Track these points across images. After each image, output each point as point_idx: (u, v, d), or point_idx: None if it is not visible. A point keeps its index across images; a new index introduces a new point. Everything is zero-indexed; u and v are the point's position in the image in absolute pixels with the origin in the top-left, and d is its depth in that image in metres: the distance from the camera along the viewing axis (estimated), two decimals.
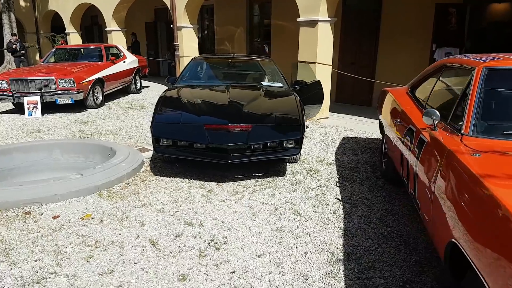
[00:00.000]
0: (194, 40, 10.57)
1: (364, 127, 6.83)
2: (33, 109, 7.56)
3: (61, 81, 7.68)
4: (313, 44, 7.22)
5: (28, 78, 7.60)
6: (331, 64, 7.48)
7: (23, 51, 14.22)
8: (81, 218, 3.27)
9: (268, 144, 3.98)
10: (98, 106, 8.59)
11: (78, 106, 8.33)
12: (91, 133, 6.30)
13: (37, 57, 19.70)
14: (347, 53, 9.17)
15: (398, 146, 3.12)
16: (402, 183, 3.24)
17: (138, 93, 11.03)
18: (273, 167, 4.59)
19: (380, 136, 4.74)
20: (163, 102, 4.47)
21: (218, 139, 3.89)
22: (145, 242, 2.88)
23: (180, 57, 10.54)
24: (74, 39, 15.98)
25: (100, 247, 2.79)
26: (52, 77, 7.64)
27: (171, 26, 10.58)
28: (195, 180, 4.21)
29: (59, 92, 7.69)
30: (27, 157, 4.93)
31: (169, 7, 10.44)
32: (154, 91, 11.65)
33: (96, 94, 8.48)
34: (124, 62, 10.08)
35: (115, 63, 9.52)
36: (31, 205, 3.42)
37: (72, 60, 9.51)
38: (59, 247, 2.79)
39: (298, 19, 7.40)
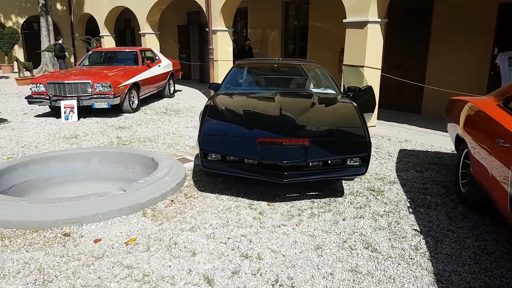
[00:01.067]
0: (229, 43, 10.25)
1: (420, 138, 6.27)
2: (69, 113, 7.40)
3: (97, 85, 7.50)
4: (361, 47, 6.73)
5: (65, 81, 7.46)
6: (380, 68, 6.96)
7: (66, 54, 14.37)
8: (125, 243, 2.92)
9: (329, 161, 3.53)
10: (134, 110, 8.38)
11: (114, 111, 8.14)
12: (129, 140, 6.03)
13: (72, 60, 20.01)
14: (393, 56, 8.58)
15: (500, 171, 2.60)
16: (491, 211, 2.71)
17: (172, 97, 10.81)
18: (328, 185, 4.14)
19: (445, 150, 4.20)
20: (210, 112, 4.10)
21: (272, 155, 3.48)
22: (199, 278, 2.49)
23: (215, 61, 10.23)
24: (108, 42, 16.04)
25: (149, 283, 2.43)
26: (89, 81, 7.47)
27: (206, 29, 10.30)
28: (242, 198, 3.81)
29: (95, 96, 7.51)
30: (64, 166, 4.68)
31: (204, 10, 10.16)
32: (186, 95, 11.42)
33: (132, 98, 8.27)
34: (159, 66, 9.87)
35: (150, 67, 9.32)
36: (71, 225, 3.11)
37: (107, 63, 9.37)
38: (102, 280, 2.45)
39: (344, 20, 6.92)
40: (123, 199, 3.42)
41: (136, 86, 8.46)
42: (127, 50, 9.76)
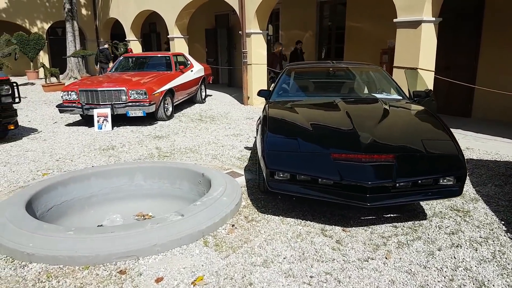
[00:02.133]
0: (263, 46, 9.79)
1: (482, 146, 5.69)
2: (103, 122, 7.07)
3: (132, 92, 7.15)
4: (414, 48, 6.19)
5: (98, 89, 7.13)
6: (433, 70, 6.39)
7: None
8: (192, 283, 2.47)
9: (419, 181, 3.00)
10: (168, 118, 8.01)
11: (148, 118, 7.78)
12: (170, 152, 5.63)
13: (97, 66, 19.94)
14: (441, 57, 7.94)
15: None
16: None
17: (203, 103, 10.42)
18: (405, 204, 3.60)
19: None
20: (271, 124, 3.61)
21: (354, 174, 2.98)
22: None
23: (248, 64, 9.79)
24: (134, 47, 15.84)
25: None
26: (123, 88, 7.12)
27: (239, 32, 9.86)
28: (311, 221, 3.32)
29: (130, 104, 7.16)
30: (106, 183, 4.29)
31: (238, 12, 9.74)
32: (218, 100, 11.02)
33: (166, 105, 7.89)
34: (191, 71, 9.50)
35: (183, 72, 8.95)
36: (126, 259, 2.67)
37: (139, 69, 9.04)
38: None
39: (395, 20, 6.37)
40: (182, 226, 2.98)
41: (170, 92, 8.09)
42: (159, 55, 9.41)
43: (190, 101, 10.09)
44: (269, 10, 9.46)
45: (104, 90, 7.13)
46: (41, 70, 17.54)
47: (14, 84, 6.31)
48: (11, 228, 2.93)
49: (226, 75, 14.79)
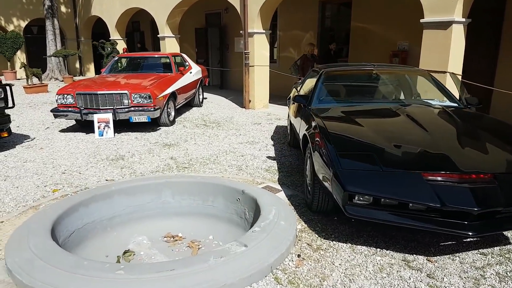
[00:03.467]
0: (265, 47, 9.40)
1: None
2: (104, 128, 6.47)
3: (135, 96, 6.59)
4: (443, 50, 5.93)
5: (98, 92, 6.53)
6: (461, 73, 6.18)
7: None
8: None
9: None
10: (171, 123, 7.48)
11: (149, 124, 7.23)
12: (187, 162, 5.14)
13: (77, 65, 18.98)
14: None
15: None
16: None
17: (201, 107, 9.92)
18: None
19: None
20: (334, 138, 3.17)
21: (456, 198, 2.56)
22: None
23: (250, 66, 9.36)
24: (119, 46, 15.07)
25: None
26: (126, 91, 6.55)
27: (241, 32, 9.42)
28: (386, 250, 2.91)
29: (133, 108, 6.60)
30: (131, 201, 3.78)
31: (239, 11, 9.30)
32: (214, 103, 10.54)
33: (168, 110, 7.36)
34: (190, 72, 8.99)
35: (183, 74, 8.43)
36: None
37: (136, 70, 8.45)
38: None
39: (422, 20, 6.11)
40: (248, 259, 2.54)
41: (173, 96, 7.56)
42: (157, 56, 8.85)
43: (188, 105, 9.56)
44: (274, 9, 9.08)
45: (104, 94, 6.53)
46: (20, 70, 16.53)
47: (7, 87, 5.65)
48: (42, 266, 2.41)
49: (218, 77, 14.29)
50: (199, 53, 14.74)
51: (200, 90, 9.92)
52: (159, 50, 16.91)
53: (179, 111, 8.88)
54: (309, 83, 5.40)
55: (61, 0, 17.87)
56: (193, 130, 7.19)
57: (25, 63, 12.30)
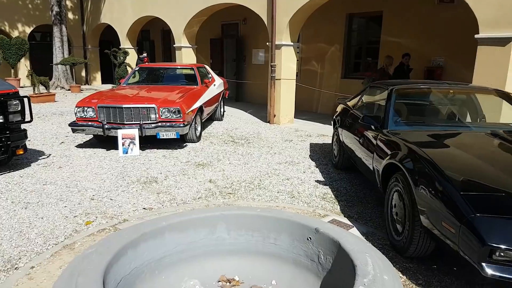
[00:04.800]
0: (293, 60, 8.90)
1: None
2: (129, 145, 5.87)
3: (163, 110, 6.01)
4: (500, 68, 5.44)
5: (124, 105, 5.95)
6: None
7: None
8: None
9: None
10: (198, 139, 6.90)
11: (174, 140, 6.64)
12: (229, 187, 4.54)
13: (83, 73, 18.41)
14: None
15: None
16: None
17: (221, 120, 9.36)
18: None
19: None
20: (451, 174, 2.56)
21: None
22: None
23: (277, 79, 8.84)
24: (131, 55, 14.56)
25: None
26: (153, 105, 5.98)
27: (267, 43, 8.93)
28: None
29: (160, 124, 6.01)
30: (182, 237, 3.15)
31: (266, 21, 8.81)
32: (234, 117, 10.00)
33: (195, 125, 6.78)
34: (214, 85, 8.44)
35: (208, 87, 7.88)
36: None
37: (159, 82, 7.89)
38: None
39: (477, 36, 5.62)
40: None
41: (200, 110, 6.99)
42: (181, 67, 8.31)
43: (209, 119, 9.00)
44: (304, 20, 8.60)
45: (130, 108, 5.95)
46: (24, 78, 15.94)
47: (25, 99, 5.06)
48: None
49: (233, 89, 13.75)
50: (213, 64, 14.22)
51: (222, 103, 9.37)
52: (171, 61, 16.48)
53: (202, 126, 8.30)
54: (368, 100, 4.86)
55: (69, 7, 17.37)
56: (222, 147, 6.61)
57: (32, 71, 11.72)
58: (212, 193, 4.32)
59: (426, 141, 3.29)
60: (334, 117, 5.58)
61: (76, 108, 6.14)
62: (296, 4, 7.99)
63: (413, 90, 4.32)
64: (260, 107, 11.69)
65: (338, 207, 4.00)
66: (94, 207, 3.88)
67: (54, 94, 12.08)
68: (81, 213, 3.71)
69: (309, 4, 7.90)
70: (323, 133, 7.95)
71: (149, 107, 5.97)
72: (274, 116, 9.05)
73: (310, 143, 7.01)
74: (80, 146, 6.55)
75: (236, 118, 9.78)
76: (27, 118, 5.14)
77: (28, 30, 17.02)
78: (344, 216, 3.73)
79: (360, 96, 4.99)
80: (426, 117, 4.11)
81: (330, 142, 7.09)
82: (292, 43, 8.67)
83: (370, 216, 3.73)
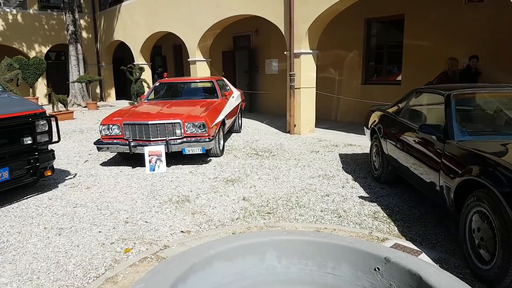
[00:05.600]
0: (312, 68, 8.75)
1: None
2: (156, 162, 5.75)
3: (188, 125, 5.89)
4: None
5: (150, 122, 5.84)
6: None
7: None
8: None
9: None
10: (221, 153, 6.75)
11: (197, 155, 6.51)
12: (266, 205, 4.36)
13: (97, 90, 18.54)
14: None
15: None
16: None
17: (239, 132, 9.22)
18: None
19: None
20: None
21: None
22: None
23: (296, 88, 8.68)
24: (146, 71, 14.59)
25: None
26: (179, 121, 5.86)
27: (285, 53, 8.80)
28: None
29: (186, 139, 5.88)
30: (231, 267, 2.92)
31: (283, 30, 8.70)
32: (251, 128, 9.85)
33: (218, 139, 6.64)
34: (232, 97, 8.32)
35: (227, 99, 7.75)
36: None
37: (179, 97, 7.80)
38: None
39: None
40: None
41: (223, 124, 6.86)
42: (201, 81, 8.22)
43: (228, 131, 8.86)
44: (323, 27, 8.46)
45: (156, 124, 5.84)
46: (41, 97, 16.10)
47: (52, 119, 4.98)
48: None
49: (247, 100, 13.60)
50: (226, 76, 14.08)
51: (239, 115, 9.23)
52: (183, 75, 16.48)
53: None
54: (416, 107, 4.59)
55: (83, 26, 17.56)
56: (247, 160, 6.44)
57: (51, 90, 11.77)
58: (249, 213, 4.14)
59: (508, 153, 2.97)
60: (373, 126, 5.26)
61: (101, 126, 6.05)
62: (315, 11, 7.86)
63: (474, 95, 3.98)
64: (275, 117, 11.54)
65: (395, 228, 3.74)
66: (130, 231, 3.73)
67: (72, 112, 12.12)
68: (118, 239, 3.56)
69: (329, 10, 7.76)
70: (349, 142, 7.74)
71: (174, 123, 5.85)
72: (294, 126, 8.87)
73: (339, 154, 6.80)
74: (104, 164, 6.45)
75: (253, 130, 9.63)
76: (54, 138, 5.04)
77: (45, 50, 17.25)
78: (406, 239, 3.48)
79: (405, 102, 4.71)
80: (493, 125, 3.79)
81: (360, 152, 6.90)
82: (311, 51, 8.53)
83: (436, 239, 3.46)
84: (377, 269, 2.78)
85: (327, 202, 4.42)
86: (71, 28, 15.00)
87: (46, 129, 4.88)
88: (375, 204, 4.32)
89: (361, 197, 4.56)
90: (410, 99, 4.68)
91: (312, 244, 3.11)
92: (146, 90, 13.19)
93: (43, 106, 5.21)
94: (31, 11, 16.66)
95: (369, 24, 9.82)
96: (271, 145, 7.75)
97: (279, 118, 11.28)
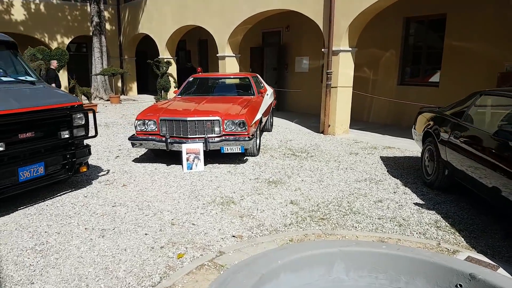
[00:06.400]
0: (351, 66, 8.37)
1: None
2: (193, 161, 5.48)
3: (228, 123, 5.60)
4: None
5: (188, 118, 5.57)
6: None
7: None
8: None
9: None
10: (258, 152, 6.45)
11: (233, 154, 6.22)
12: (317, 209, 4.04)
13: (119, 84, 18.42)
14: None
15: None
16: None
17: (270, 131, 8.90)
18: None
19: None
20: None
21: None
22: None
23: (333, 87, 8.33)
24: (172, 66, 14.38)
25: None
26: (218, 118, 5.57)
27: (322, 50, 8.45)
28: None
29: (224, 138, 5.60)
30: (296, 279, 2.64)
31: (321, 26, 8.35)
32: (282, 127, 9.53)
33: (256, 137, 6.33)
34: (267, 94, 7.99)
35: (263, 97, 7.44)
36: None
37: (214, 93, 7.51)
38: None
39: None
40: None
41: (260, 122, 6.55)
42: (237, 77, 7.93)
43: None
44: (364, 24, 8.08)
45: (194, 120, 5.57)
46: (62, 89, 15.98)
47: (90, 112, 4.74)
48: None
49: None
50: (253, 73, 13.86)
51: (271, 113, 8.92)
52: (207, 71, 16.25)
53: None
54: (482, 111, 4.23)
55: (106, 17, 17.44)
56: (285, 161, 6.13)
57: (76, 82, 11.63)
58: (301, 218, 3.83)
59: None
60: (427, 129, 4.92)
61: (136, 121, 5.80)
62: (358, 7, 7.50)
63: None
64: (304, 116, 11.20)
65: (462, 239, 3.40)
66: (178, 234, 3.46)
67: (96, 105, 11.97)
68: (167, 242, 3.29)
69: (372, 7, 7.39)
70: (387, 144, 7.37)
71: (213, 120, 5.57)
72: (329, 126, 8.52)
73: (380, 157, 6.44)
74: (137, 160, 6.22)
75: (284, 129, 9.31)
76: (92, 133, 4.81)
77: (67, 41, 17.17)
78: (477, 252, 3.15)
79: (468, 105, 4.34)
80: None
81: (401, 155, 6.54)
82: (350, 49, 8.16)
83: (508, 252, 3.13)
84: (459, 286, 2.43)
85: (382, 208, 4.09)
86: (95, 19, 14.88)
87: (83, 122, 4.64)
88: (434, 212, 3.98)
89: (416, 203, 4.22)
90: (474, 102, 4.31)
91: (384, 256, 2.76)
92: (172, 85, 12.96)
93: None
94: (54, 1, 16.57)
95: (408, 23, 9.40)
96: (306, 145, 7.42)
97: (309, 118, 10.95)
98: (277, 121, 10.39)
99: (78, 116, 4.58)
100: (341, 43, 8.01)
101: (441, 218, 3.81)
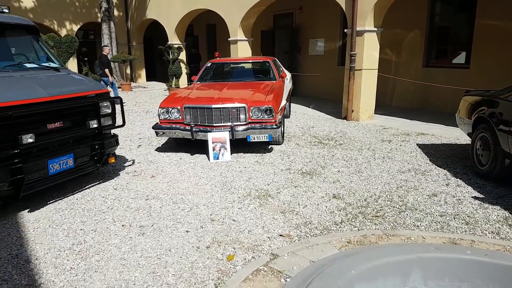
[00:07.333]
0: (376, 47, 8.01)
1: None
2: (220, 150, 5.23)
3: (254, 110, 5.33)
4: None
5: (213, 106, 5.30)
6: None
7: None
8: None
9: None
10: (282, 140, 6.18)
11: (257, 143, 5.97)
12: (366, 205, 3.80)
13: (128, 71, 18.09)
14: None
15: None
16: None
17: (289, 117, 8.62)
18: None
19: None
20: None
21: None
22: None
23: (357, 70, 7.99)
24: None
25: None
26: (244, 105, 5.30)
27: (345, 30, 8.09)
28: None
29: (250, 126, 5.33)
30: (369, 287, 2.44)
31: (343, 6, 7.97)
32: (299, 113, 9.28)
33: (282, 124, 6.06)
34: (287, 79, 7.69)
35: (284, 82, 7.13)
36: None
37: (233, 78, 7.20)
38: None
39: None
40: None
41: (284, 108, 6.27)
42: (255, 61, 7.61)
43: None
44: (391, 3, 7.66)
45: (219, 108, 5.30)
46: None
47: (117, 101, 4.49)
48: None
49: None
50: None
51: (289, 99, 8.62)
52: (214, 56, 15.85)
53: None
54: None
55: (114, 3, 17.01)
56: (313, 150, 5.86)
57: (88, 69, 11.34)
58: (352, 215, 3.57)
59: None
60: (481, 114, 4.48)
61: (159, 109, 5.54)
62: None
63: None
64: (320, 101, 10.90)
65: None
66: (220, 232, 3.23)
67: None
68: (211, 241, 3.06)
69: None
70: (419, 131, 7.06)
71: (239, 107, 5.30)
72: (352, 111, 8.21)
73: (417, 144, 6.14)
74: (160, 150, 5.99)
75: (302, 115, 9.03)
76: (119, 122, 4.56)
77: (75, 28, 16.80)
78: None
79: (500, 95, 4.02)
80: None
81: (438, 142, 6.20)
82: (375, 29, 7.80)
83: None
84: None
85: (439, 203, 3.81)
86: (104, 5, 14.49)
87: (110, 111, 4.39)
88: (499, 207, 3.69)
89: (475, 197, 3.93)
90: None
91: (469, 263, 2.52)
92: (184, 71, 12.63)
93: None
94: None
95: (434, 1, 8.96)
96: (331, 132, 7.14)
97: (326, 103, 10.64)
98: (294, 107, 10.10)
99: (105, 104, 4.33)
100: (366, 23, 7.64)
101: (510, 215, 3.53)
